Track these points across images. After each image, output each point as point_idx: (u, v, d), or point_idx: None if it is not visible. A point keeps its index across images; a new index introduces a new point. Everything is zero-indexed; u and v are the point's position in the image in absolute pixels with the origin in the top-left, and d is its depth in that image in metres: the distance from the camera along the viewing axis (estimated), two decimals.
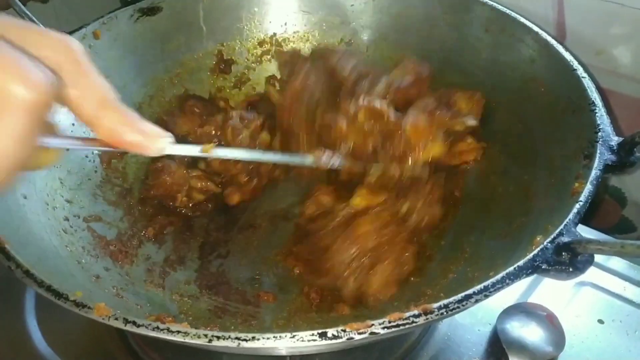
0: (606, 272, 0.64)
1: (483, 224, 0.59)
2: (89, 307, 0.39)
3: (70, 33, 0.65)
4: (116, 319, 0.38)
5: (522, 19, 0.64)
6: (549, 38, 0.60)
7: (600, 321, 0.59)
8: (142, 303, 0.53)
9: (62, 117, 0.36)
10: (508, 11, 0.65)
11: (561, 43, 0.60)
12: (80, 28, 0.66)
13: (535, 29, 0.62)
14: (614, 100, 0.75)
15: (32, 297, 0.62)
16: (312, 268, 0.57)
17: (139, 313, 0.50)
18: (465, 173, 0.66)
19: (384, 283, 0.51)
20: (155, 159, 0.68)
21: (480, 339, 0.58)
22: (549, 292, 0.62)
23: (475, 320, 0.60)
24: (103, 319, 0.38)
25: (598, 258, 0.64)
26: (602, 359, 0.57)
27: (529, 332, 0.56)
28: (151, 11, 0.71)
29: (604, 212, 0.85)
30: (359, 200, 0.55)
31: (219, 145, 0.67)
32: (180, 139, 0.70)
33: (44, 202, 0.56)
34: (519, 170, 0.59)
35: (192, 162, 0.69)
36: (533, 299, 0.62)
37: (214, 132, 0.69)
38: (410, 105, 0.61)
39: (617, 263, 0.65)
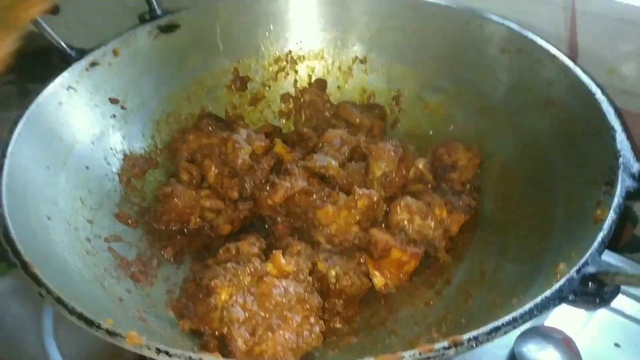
0: (623, 294, 0.64)
1: (502, 246, 0.59)
2: (121, 336, 0.39)
3: (91, 50, 0.66)
4: (149, 348, 0.38)
5: (540, 40, 0.64)
6: (567, 60, 0.61)
7: (617, 345, 0.60)
8: (164, 326, 0.53)
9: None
10: (525, 32, 0.65)
11: (577, 63, 0.60)
12: (101, 46, 0.66)
13: (553, 51, 0.62)
14: (626, 119, 0.76)
15: (51, 316, 0.62)
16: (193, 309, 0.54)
17: (164, 337, 0.50)
18: (483, 194, 0.66)
19: (279, 351, 0.48)
20: (163, 184, 0.68)
21: None
22: (566, 315, 0.62)
23: (492, 344, 0.60)
24: (135, 347, 0.38)
25: None
26: None
27: (546, 356, 0.56)
28: (169, 28, 0.71)
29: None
30: (271, 266, 0.54)
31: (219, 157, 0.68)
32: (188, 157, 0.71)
33: (67, 223, 0.56)
34: (537, 193, 0.59)
35: (199, 183, 0.70)
36: (549, 322, 0.62)
37: (216, 144, 0.69)
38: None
39: None
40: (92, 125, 0.65)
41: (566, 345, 0.57)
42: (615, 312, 0.63)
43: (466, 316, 0.53)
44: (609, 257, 0.69)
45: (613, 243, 0.83)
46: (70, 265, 0.52)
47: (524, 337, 0.58)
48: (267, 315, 0.50)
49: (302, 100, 0.79)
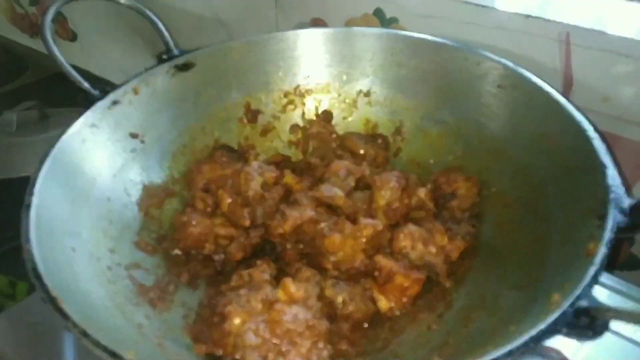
0: None
1: (501, 273, 0.62)
2: None
3: (113, 90, 0.70)
4: None
5: (534, 78, 0.67)
6: (559, 97, 0.63)
7: None
8: (182, 351, 0.56)
9: None
10: (520, 69, 0.69)
11: (572, 93, 0.62)
12: (121, 85, 0.71)
13: (547, 88, 0.65)
14: (620, 145, 0.78)
15: (72, 344, 0.65)
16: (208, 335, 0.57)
17: None
18: (482, 222, 0.69)
19: None
20: (179, 213, 0.72)
21: None
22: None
23: None
24: None
25: (614, 300, 0.67)
26: None
27: None
28: (186, 67, 0.76)
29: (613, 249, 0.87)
30: (281, 293, 0.57)
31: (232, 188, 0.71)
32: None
33: (90, 254, 0.60)
34: (534, 221, 0.62)
35: (213, 211, 0.73)
36: (547, 341, 0.64)
37: (230, 175, 0.73)
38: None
39: (632, 307, 0.67)
40: (114, 159, 0.69)
41: None
42: (615, 333, 0.64)
43: (467, 341, 0.55)
44: (605, 278, 0.71)
45: (610, 264, 0.86)
46: (92, 295, 0.55)
47: (520, 357, 0.61)
48: (278, 342, 0.53)
49: (309, 131, 0.83)
